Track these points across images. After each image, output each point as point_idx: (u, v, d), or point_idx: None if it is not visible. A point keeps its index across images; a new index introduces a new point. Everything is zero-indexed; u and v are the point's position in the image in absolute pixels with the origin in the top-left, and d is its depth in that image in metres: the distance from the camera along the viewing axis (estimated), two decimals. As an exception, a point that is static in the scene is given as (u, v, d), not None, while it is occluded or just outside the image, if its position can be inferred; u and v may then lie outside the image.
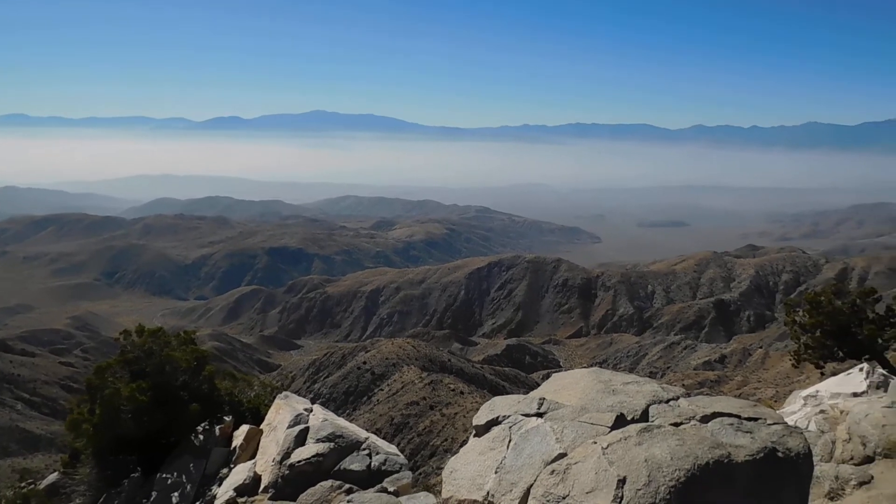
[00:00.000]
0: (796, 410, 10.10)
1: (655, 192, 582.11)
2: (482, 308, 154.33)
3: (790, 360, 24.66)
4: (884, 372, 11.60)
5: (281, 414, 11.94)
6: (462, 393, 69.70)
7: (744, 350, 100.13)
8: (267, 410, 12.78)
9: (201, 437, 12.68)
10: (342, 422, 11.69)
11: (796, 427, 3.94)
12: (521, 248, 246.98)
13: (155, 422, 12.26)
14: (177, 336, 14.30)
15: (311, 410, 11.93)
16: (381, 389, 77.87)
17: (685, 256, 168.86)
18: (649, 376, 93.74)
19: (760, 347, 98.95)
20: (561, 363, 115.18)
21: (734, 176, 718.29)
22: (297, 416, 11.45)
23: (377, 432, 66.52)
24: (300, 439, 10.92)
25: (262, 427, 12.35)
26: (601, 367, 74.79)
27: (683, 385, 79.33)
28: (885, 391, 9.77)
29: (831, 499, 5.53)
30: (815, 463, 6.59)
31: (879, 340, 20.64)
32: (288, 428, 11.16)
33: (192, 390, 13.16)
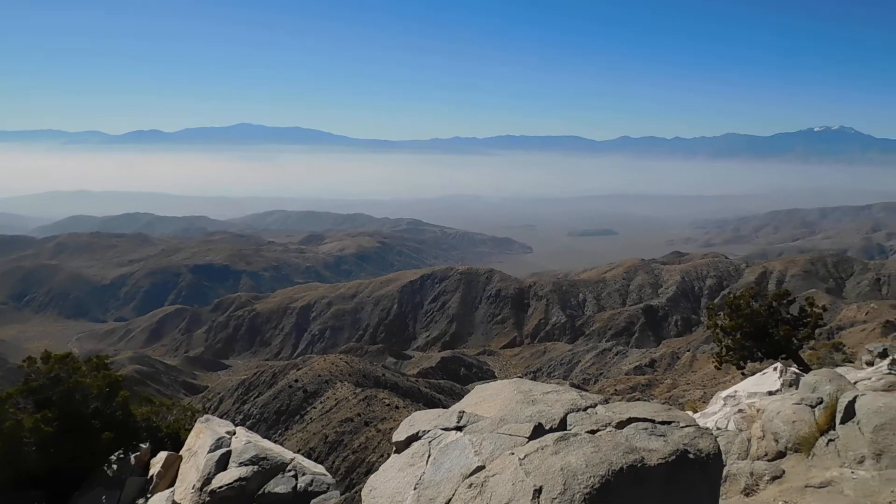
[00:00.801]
0: (717, 411, 10.43)
1: (584, 201, 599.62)
2: (416, 321, 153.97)
3: (713, 362, 25.68)
4: (796, 370, 12.15)
5: (201, 438, 11.38)
6: (397, 407, 69.07)
7: (672, 354, 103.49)
8: (187, 435, 12.20)
9: (115, 466, 11.96)
10: (267, 443, 11.24)
11: (707, 429, 4.02)
12: (454, 260, 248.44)
13: (63, 453, 11.49)
14: (88, 361, 13.50)
15: (234, 433, 11.43)
16: (314, 407, 76.21)
17: (614, 264, 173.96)
18: (582, 383, 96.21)
19: (688, 351, 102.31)
20: (496, 373, 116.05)
21: (659, 185, 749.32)
22: (219, 439, 10.95)
23: (311, 451, 65.09)
24: (222, 464, 10.44)
25: (181, 453, 11.76)
26: (535, 375, 76.00)
27: (616, 390, 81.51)
28: (797, 389, 10.23)
29: (747, 494, 5.69)
30: (733, 461, 6.82)
31: (794, 340, 21.81)
32: (209, 452, 10.65)
33: (104, 418, 12.42)
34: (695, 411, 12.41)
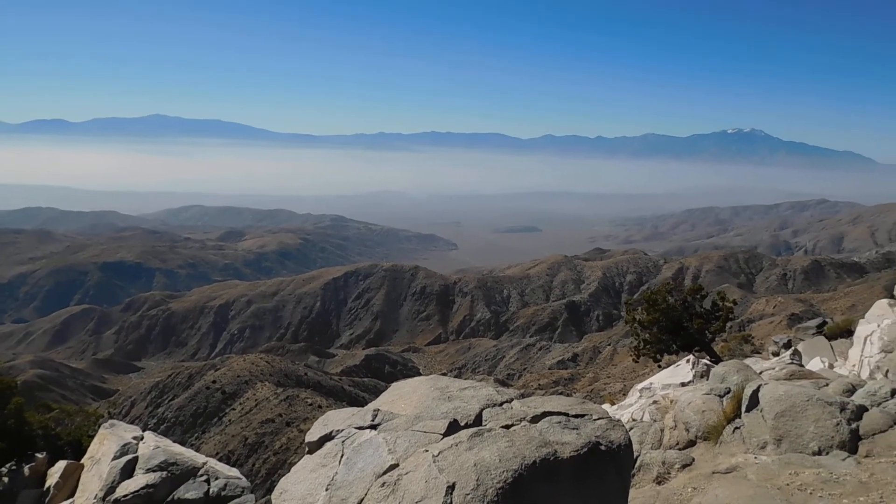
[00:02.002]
0: (633, 402, 10.73)
1: (509, 198, 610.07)
2: (339, 319, 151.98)
3: (631, 355, 26.53)
4: (707, 362, 12.63)
5: (106, 445, 10.70)
6: (320, 407, 67.87)
7: (594, 348, 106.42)
8: (90, 443, 11.45)
9: (6, 479, 11.06)
10: (177, 448, 10.68)
11: (618, 421, 4.09)
12: (378, 257, 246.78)
13: (-58, 467, 10.53)
14: (-24, 366, 12.47)
15: (142, 438, 10.80)
16: (233, 409, 73.87)
17: (538, 260, 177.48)
18: (507, 378, 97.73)
19: (609, 345, 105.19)
20: (421, 371, 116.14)
21: (581, 183, 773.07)
22: (125, 445, 10.32)
23: (230, 454, 63.08)
24: (127, 471, 9.84)
25: (83, 461, 11.03)
26: (460, 372, 76.41)
27: (539, 385, 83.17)
28: (708, 379, 10.66)
29: (659, 483, 5.84)
30: (647, 450, 7.01)
31: (707, 333, 22.81)
32: (113, 460, 10.01)
33: (-7, 427, 11.48)
34: (612, 404, 12.74)
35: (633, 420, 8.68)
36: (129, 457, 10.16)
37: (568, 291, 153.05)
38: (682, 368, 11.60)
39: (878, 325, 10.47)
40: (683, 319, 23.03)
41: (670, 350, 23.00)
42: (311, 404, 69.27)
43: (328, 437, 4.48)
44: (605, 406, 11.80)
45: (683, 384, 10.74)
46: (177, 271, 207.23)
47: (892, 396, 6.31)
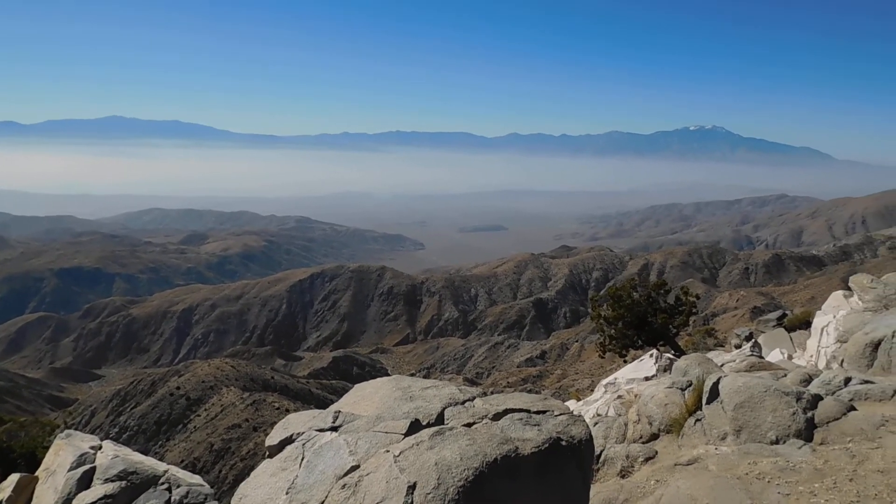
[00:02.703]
0: (599, 398, 10.83)
1: (475, 197, 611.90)
2: (306, 321, 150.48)
3: (597, 351, 26.83)
4: (670, 356, 12.80)
5: (61, 456, 10.33)
6: (287, 411, 66.96)
7: (562, 345, 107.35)
8: (45, 454, 11.05)
9: (-47, 496, 10.60)
10: (137, 456, 10.37)
11: (580, 416, 4.11)
12: (345, 258, 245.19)
13: None
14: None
15: (100, 448, 10.47)
16: (198, 415, 72.47)
17: (505, 259, 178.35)
18: (476, 377, 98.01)
19: (576, 341, 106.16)
20: (389, 371, 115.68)
21: (547, 181, 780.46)
22: (82, 455, 9.96)
23: (195, 462, 61.91)
24: (84, 482, 9.50)
25: (37, 474, 10.63)
26: (429, 371, 76.36)
27: (508, 383, 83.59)
28: (671, 373, 10.81)
29: (623, 476, 5.90)
30: (611, 445, 7.08)
31: (671, 327, 23.20)
32: (69, 471, 9.65)
33: (-60, 441, 10.99)
34: (578, 399, 12.84)
35: (598, 415, 8.76)
36: (87, 467, 9.80)
37: (535, 289, 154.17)
38: (646, 363, 11.76)
39: (834, 317, 10.76)
40: (648, 314, 23.39)
41: (636, 345, 23.33)
42: (278, 408, 68.38)
43: (289, 441, 4.40)
44: (571, 402, 11.90)
45: (647, 378, 10.87)
46: (137, 276, 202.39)
47: (845, 385, 6.49)
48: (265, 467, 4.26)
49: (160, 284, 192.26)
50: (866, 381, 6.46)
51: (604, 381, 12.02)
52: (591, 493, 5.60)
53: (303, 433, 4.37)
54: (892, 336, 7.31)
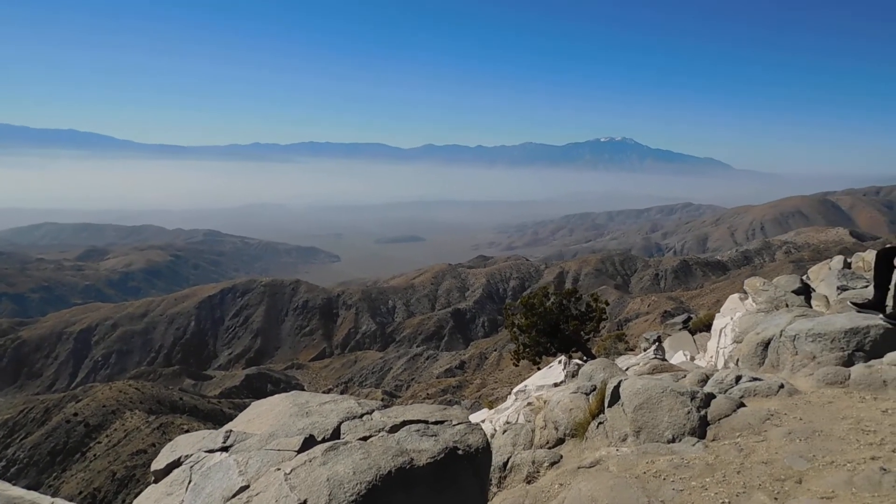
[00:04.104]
0: (510, 405, 10.91)
1: (391, 208, 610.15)
2: (216, 338, 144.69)
3: (511, 360, 27.21)
4: (578, 361, 13.08)
5: (-71, 496, 9.30)
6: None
7: (481, 354, 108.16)
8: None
9: None
10: (17, 491, 9.46)
11: (477, 424, 4.11)
12: (257, 272, 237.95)
13: None
14: None
15: (-25, 484, 9.52)
16: (99, 442, 68.02)
17: (423, 270, 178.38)
18: (395, 389, 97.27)
19: (495, 350, 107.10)
20: (305, 387, 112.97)
21: (463, 191, 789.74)
22: (-47, 494, 9.03)
23: (95, 492, 58.02)
24: (-45, 523, 8.62)
25: None
26: (346, 386, 75.08)
27: (427, 394, 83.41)
28: (578, 378, 11.03)
29: (529, 482, 5.94)
30: (519, 451, 7.14)
31: (582, 333, 23.82)
32: (-63, 512, 8.73)
33: None
34: (490, 408, 12.91)
35: (508, 422, 8.83)
36: (-42, 506, 8.92)
37: (453, 299, 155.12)
38: (555, 369, 11.99)
39: (731, 318, 11.26)
40: (560, 322, 23.95)
41: (549, 352, 23.79)
42: (187, 430, 65.06)
43: (176, 464, 4.13)
44: (484, 410, 11.97)
45: (556, 384, 11.06)
46: (28, 296, 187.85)
47: (737, 383, 6.82)
48: (149, 493, 3.98)
49: (55, 304, 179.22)
50: (755, 379, 6.81)
51: (515, 389, 12.15)
52: (498, 500, 5.61)
53: (191, 455, 4.12)
54: (780, 335, 7.76)
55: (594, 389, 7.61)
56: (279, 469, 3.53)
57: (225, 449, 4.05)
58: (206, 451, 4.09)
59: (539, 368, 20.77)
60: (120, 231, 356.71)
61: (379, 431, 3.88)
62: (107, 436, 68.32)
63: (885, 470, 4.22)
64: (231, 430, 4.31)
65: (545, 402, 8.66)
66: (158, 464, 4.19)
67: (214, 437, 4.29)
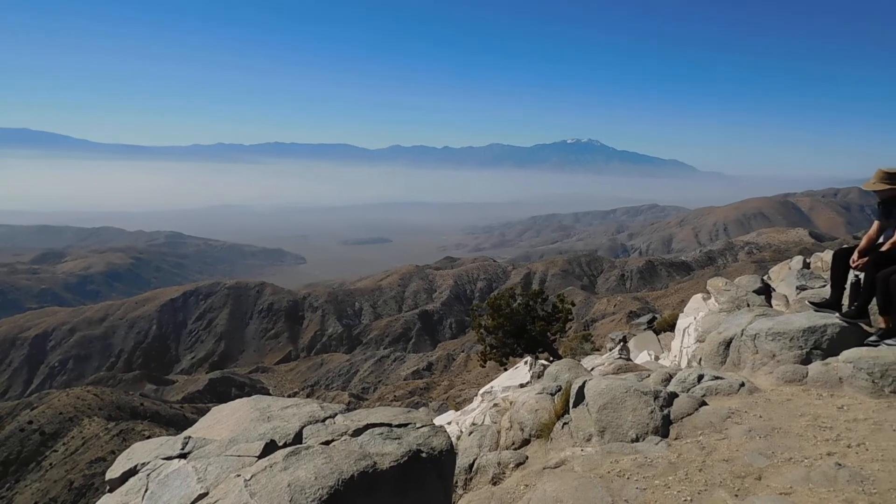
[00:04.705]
0: (476, 407, 10.90)
1: (357, 209, 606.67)
2: (179, 342, 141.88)
3: (478, 361, 27.26)
4: (544, 362, 13.15)
5: None
6: (159, 438, 62.67)
7: (448, 356, 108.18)
8: None
9: None
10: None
11: (441, 427, 4.08)
12: (221, 274, 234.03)
13: None
14: None
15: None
16: (55, 451, 66.02)
17: (390, 271, 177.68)
18: (362, 392, 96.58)
19: (463, 352, 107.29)
20: (271, 391, 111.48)
21: (430, 192, 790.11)
22: None
23: (52, 502, 56.22)
24: None
25: None
26: (313, 389, 74.33)
27: (395, 396, 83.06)
28: (543, 379, 11.06)
29: (494, 483, 5.94)
30: (485, 453, 7.13)
31: (549, 334, 23.99)
32: None
33: None
34: (457, 409, 12.89)
35: (475, 424, 8.82)
36: None
37: (420, 301, 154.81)
38: (521, 370, 12.03)
39: (695, 318, 11.41)
40: (527, 323, 24.11)
41: (515, 353, 23.92)
42: (148, 436, 62.96)
43: (132, 472, 4.00)
44: (450, 412, 11.94)
45: (522, 385, 11.08)
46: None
47: (699, 382, 6.92)
48: (104, 502, 3.84)
49: (8, 309, 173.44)
50: (717, 377, 6.91)
51: (481, 390, 12.15)
52: (464, 502, 5.60)
53: (147, 463, 3.99)
54: (741, 334, 7.88)
55: (559, 390, 7.65)
56: (239, 475, 3.43)
57: (183, 456, 3.93)
58: (163, 459, 3.97)
59: (506, 369, 20.87)
60: (79, 233, 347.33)
61: (342, 435, 3.81)
62: (64, 444, 66.40)
63: (840, 465, 4.32)
64: (190, 437, 4.19)
65: (511, 404, 8.67)
66: (114, 472, 4.05)
67: (172, 443, 4.16)
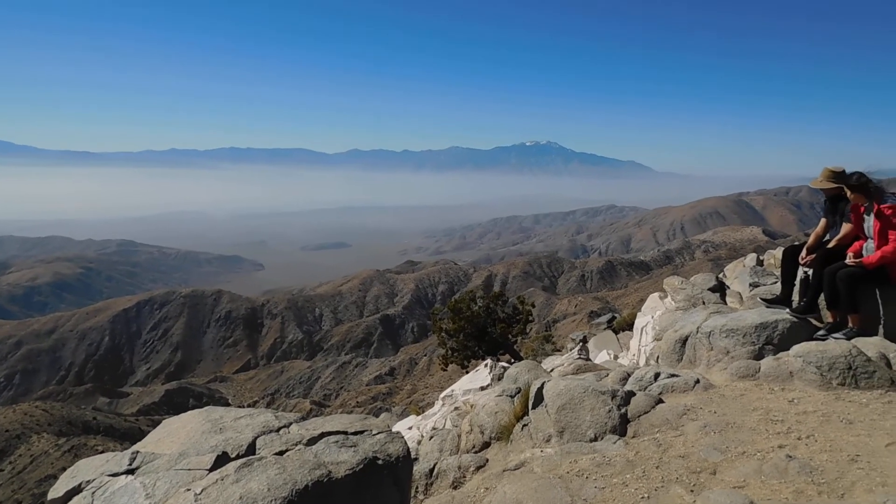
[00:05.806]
0: (437, 411, 10.84)
1: (316, 214, 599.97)
2: (133, 353, 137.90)
3: (440, 364, 27.21)
4: (504, 364, 13.17)
5: None
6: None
7: (411, 360, 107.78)
8: None
9: None
10: None
11: (398, 433, 4.03)
12: (176, 283, 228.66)
13: None
14: None
15: None
16: (1, 470, 63.37)
17: (350, 277, 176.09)
18: (323, 399, 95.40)
19: (425, 356, 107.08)
20: (230, 401, 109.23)
21: (390, 196, 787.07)
22: None
23: (-2, 524, 53.93)
24: None
25: None
26: (273, 397, 73.06)
27: (357, 402, 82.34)
28: (504, 381, 11.06)
29: (455, 487, 5.91)
30: (445, 457, 7.10)
31: (509, 336, 24.12)
32: None
33: None
34: (418, 414, 12.81)
35: (435, 428, 8.78)
36: None
37: (382, 306, 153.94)
38: (481, 373, 12.02)
39: (652, 317, 11.57)
40: (487, 325, 24.21)
41: (477, 356, 23.98)
42: (102, 451, 61.54)
43: (76, 491, 3.82)
44: (412, 417, 11.86)
45: (483, 388, 11.06)
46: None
47: (655, 380, 7.01)
48: (47, 525, 3.66)
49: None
50: (673, 375, 6.99)
51: (442, 394, 12.10)
52: (425, 507, 5.56)
53: (93, 480, 3.82)
54: (697, 331, 8.00)
55: (519, 392, 7.67)
56: (189, 490, 3.32)
57: (131, 471, 3.78)
58: (109, 475, 3.81)
59: (467, 372, 20.88)
60: (23, 243, 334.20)
61: (296, 445, 3.72)
62: (10, 462, 63.76)
63: (790, 457, 4.43)
64: (138, 451, 4.04)
65: (472, 407, 8.66)
66: (56, 492, 3.87)
67: (119, 459, 4.00)
